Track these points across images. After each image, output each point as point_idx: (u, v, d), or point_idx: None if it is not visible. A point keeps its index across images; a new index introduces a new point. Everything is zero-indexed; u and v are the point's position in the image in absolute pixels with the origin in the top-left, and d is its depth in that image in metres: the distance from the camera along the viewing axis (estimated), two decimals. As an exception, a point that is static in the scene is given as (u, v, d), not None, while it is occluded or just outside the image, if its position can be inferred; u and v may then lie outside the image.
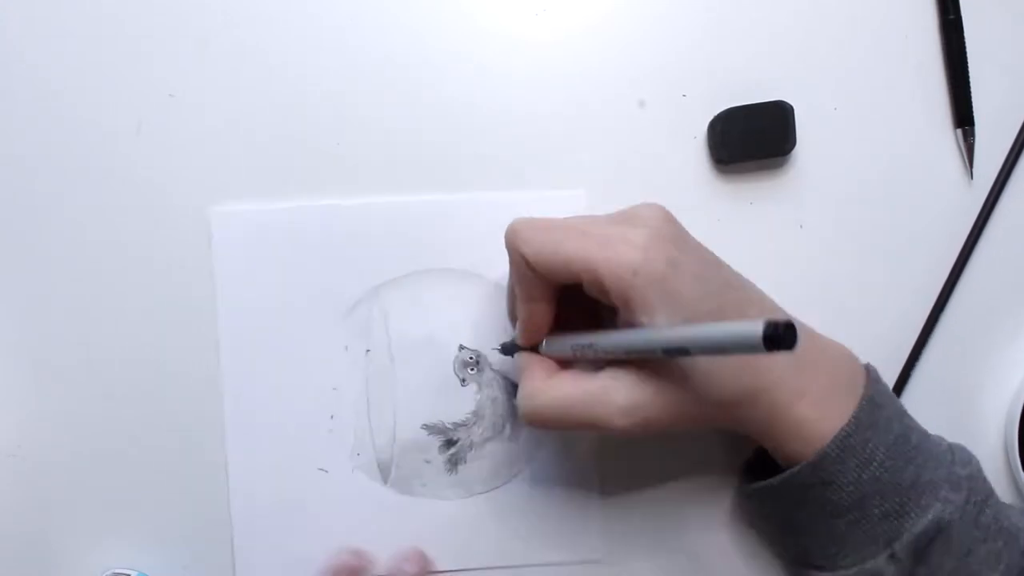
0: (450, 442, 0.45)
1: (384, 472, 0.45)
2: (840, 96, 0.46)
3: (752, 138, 0.45)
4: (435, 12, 0.46)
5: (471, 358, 0.45)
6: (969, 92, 0.46)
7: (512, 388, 0.45)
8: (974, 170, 0.46)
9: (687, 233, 0.39)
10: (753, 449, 0.44)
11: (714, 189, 0.46)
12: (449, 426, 0.45)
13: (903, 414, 0.39)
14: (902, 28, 0.46)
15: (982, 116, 0.46)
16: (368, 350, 0.45)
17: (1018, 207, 0.46)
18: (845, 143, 0.46)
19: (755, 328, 0.30)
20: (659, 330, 0.35)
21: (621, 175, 0.46)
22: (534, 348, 0.41)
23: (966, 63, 0.45)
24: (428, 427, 0.45)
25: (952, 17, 0.45)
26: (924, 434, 0.39)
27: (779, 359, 0.37)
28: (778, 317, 0.34)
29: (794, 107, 0.45)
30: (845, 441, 0.37)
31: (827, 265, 0.46)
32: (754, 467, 0.43)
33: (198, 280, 0.45)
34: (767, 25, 0.46)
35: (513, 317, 0.43)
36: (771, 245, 0.46)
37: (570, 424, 0.38)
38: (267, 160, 0.45)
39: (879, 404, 0.38)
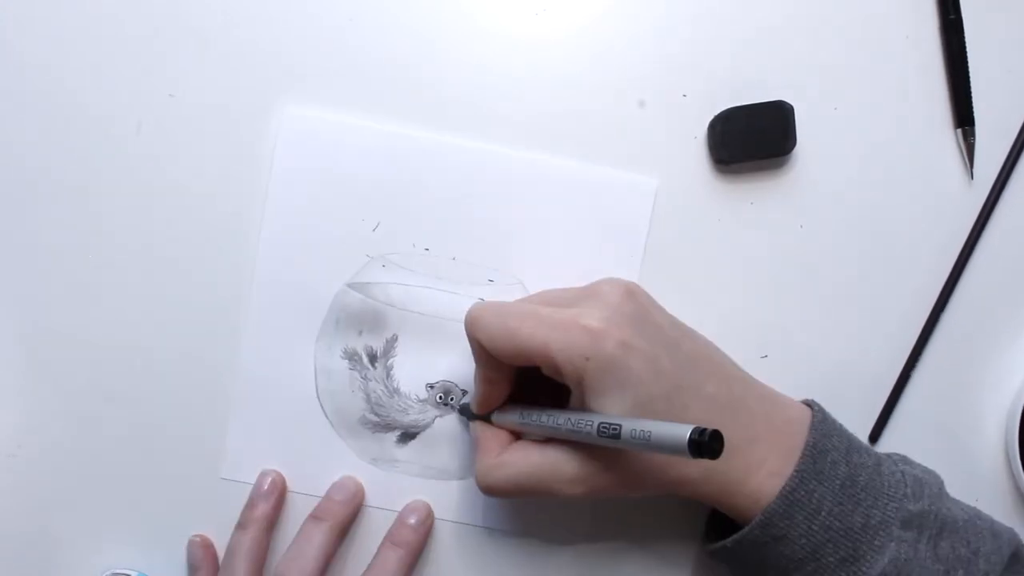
0: (408, 435, 0.45)
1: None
2: (840, 96, 0.46)
3: (752, 138, 0.45)
4: (435, 12, 0.46)
5: (440, 398, 0.45)
6: (969, 92, 0.45)
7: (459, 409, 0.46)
8: (974, 170, 0.46)
9: (650, 307, 0.39)
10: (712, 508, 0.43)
11: (714, 189, 0.46)
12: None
13: (851, 451, 0.39)
14: (902, 28, 0.46)
15: (982, 116, 0.46)
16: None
17: (1018, 207, 0.46)
18: (845, 143, 0.46)
19: (682, 434, 0.32)
20: (597, 420, 0.36)
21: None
22: (488, 415, 0.43)
23: (966, 63, 0.45)
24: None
25: (952, 17, 0.45)
26: (875, 469, 0.39)
27: (731, 437, 0.35)
28: (715, 408, 0.36)
29: (794, 107, 0.45)
30: (791, 496, 0.37)
31: (827, 265, 0.46)
32: (716, 523, 0.43)
33: (198, 275, 0.45)
34: (767, 25, 0.46)
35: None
36: (771, 245, 0.46)
37: (525, 495, 0.39)
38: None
39: (823, 449, 0.38)
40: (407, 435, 0.45)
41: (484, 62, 0.46)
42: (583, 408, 0.37)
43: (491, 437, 0.41)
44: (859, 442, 0.40)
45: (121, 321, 0.45)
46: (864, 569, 0.37)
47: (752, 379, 0.40)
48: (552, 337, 0.37)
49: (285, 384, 0.45)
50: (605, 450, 0.37)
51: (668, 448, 0.33)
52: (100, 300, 0.45)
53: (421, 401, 0.45)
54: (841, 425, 0.40)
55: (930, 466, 0.41)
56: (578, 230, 0.45)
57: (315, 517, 0.44)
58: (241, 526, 0.44)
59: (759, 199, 0.46)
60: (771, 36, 0.46)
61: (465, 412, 0.45)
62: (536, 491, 0.39)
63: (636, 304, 0.38)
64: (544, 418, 0.39)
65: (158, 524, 0.45)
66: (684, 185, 0.46)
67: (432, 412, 0.45)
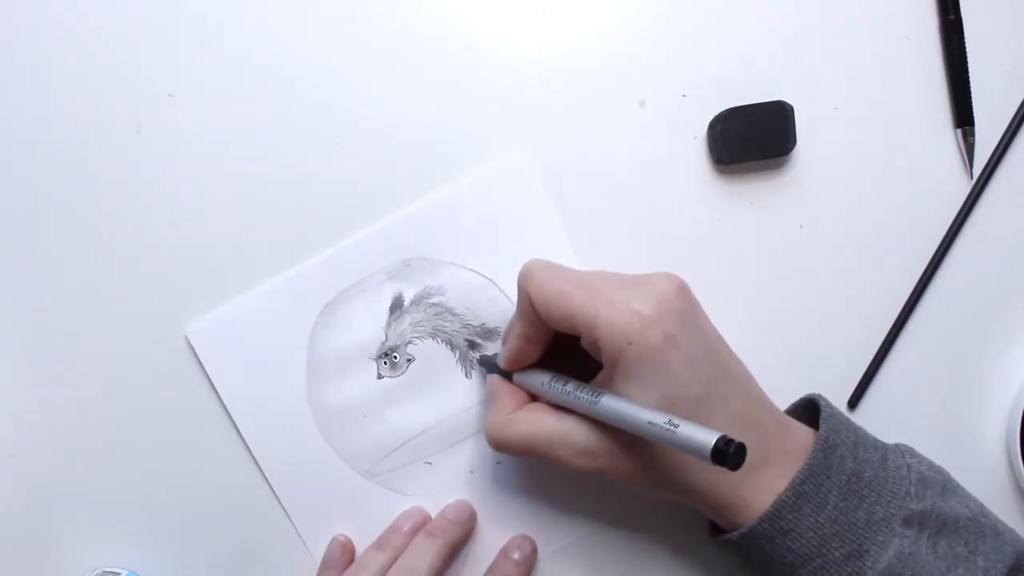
0: (472, 345, 0.46)
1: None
2: (840, 96, 0.46)
3: (752, 138, 0.45)
4: (435, 12, 0.46)
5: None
6: (969, 92, 0.45)
7: (477, 361, 0.46)
8: (974, 170, 0.46)
9: (699, 312, 0.39)
10: None
11: (714, 189, 0.46)
12: (477, 332, 0.46)
13: (857, 446, 0.39)
14: (902, 28, 0.46)
15: (982, 116, 0.45)
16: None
17: (1019, 207, 0.46)
18: (845, 143, 0.46)
19: (708, 438, 0.32)
20: (621, 404, 0.36)
21: (621, 175, 0.45)
22: (510, 372, 0.42)
23: (966, 63, 0.45)
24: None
25: (952, 17, 0.45)
26: (880, 464, 0.39)
27: (748, 458, 0.36)
28: (736, 421, 0.36)
29: (794, 107, 0.45)
30: (800, 488, 0.37)
31: (827, 265, 0.46)
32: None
33: (197, 275, 0.45)
34: (767, 25, 0.46)
35: (506, 339, 0.43)
36: (771, 245, 0.46)
37: (532, 456, 0.39)
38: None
39: (833, 444, 0.38)
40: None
41: (484, 62, 0.46)
42: (609, 389, 0.37)
43: (508, 393, 0.42)
44: (865, 435, 0.40)
45: (122, 322, 0.45)
46: (869, 564, 0.37)
47: (773, 405, 0.40)
48: (602, 312, 0.37)
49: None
50: (620, 434, 0.37)
51: (690, 447, 0.33)
52: (100, 300, 0.45)
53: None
54: (848, 419, 0.40)
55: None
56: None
57: (429, 533, 0.44)
58: None
59: (759, 199, 0.46)
60: (771, 36, 0.46)
61: (486, 364, 0.45)
62: (545, 454, 0.39)
63: (687, 303, 0.38)
64: (571, 389, 0.39)
65: (157, 525, 0.45)
66: (684, 185, 0.46)
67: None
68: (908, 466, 0.39)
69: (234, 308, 0.45)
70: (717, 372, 0.38)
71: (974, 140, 0.45)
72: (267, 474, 0.45)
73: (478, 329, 0.45)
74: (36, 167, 0.45)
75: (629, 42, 0.46)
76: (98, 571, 0.44)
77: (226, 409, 0.45)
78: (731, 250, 0.45)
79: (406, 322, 0.45)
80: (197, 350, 0.45)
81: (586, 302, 0.37)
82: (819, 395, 0.41)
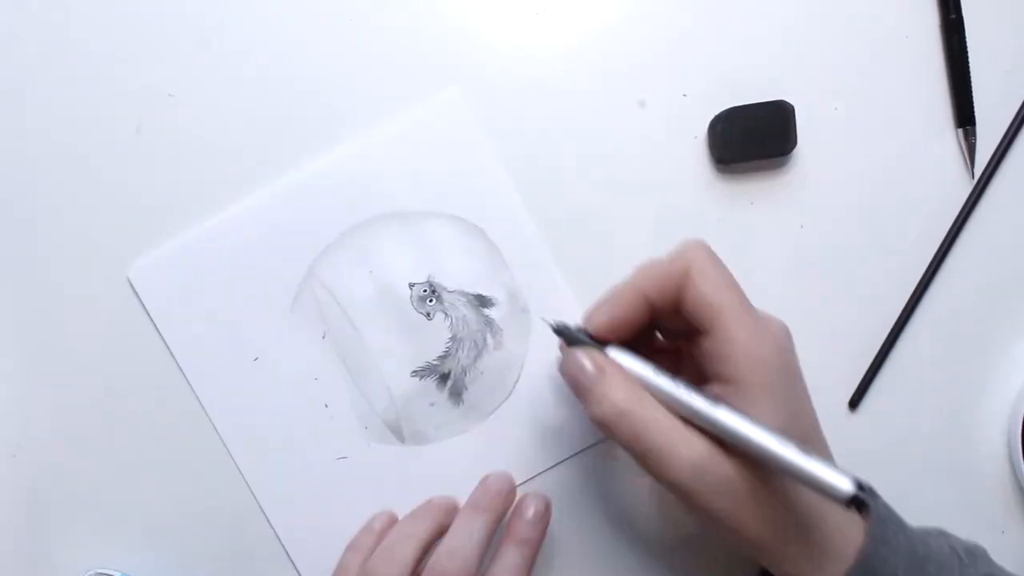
0: (444, 376, 0.45)
1: (397, 433, 0.45)
2: (840, 96, 0.46)
3: (752, 138, 0.45)
4: (435, 12, 0.46)
5: (425, 291, 0.45)
6: (970, 92, 0.45)
7: (476, 300, 0.45)
8: (975, 170, 0.46)
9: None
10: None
11: (714, 189, 0.46)
12: (435, 362, 0.45)
13: (902, 521, 0.38)
14: (902, 28, 0.46)
15: (983, 116, 0.45)
16: (323, 336, 0.45)
17: (1020, 207, 0.46)
18: (845, 143, 0.46)
19: (844, 477, 0.31)
20: (748, 419, 0.34)
21: (621, 175, 0.45)
22: (597, 341, 0.38)
23: (967, 63, 0.45)
24: (418, 372, 0.45)
25: (953, 17, 0.45)
26: (923, 540, 0.38)
27: (851, 522, 0.35)
28: (867, 484, 0.32)
29: (794, 107, 0.44)
30: (868, 562, 0.35)
31: (827, 265, 0.46)
32: None
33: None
34: (767, 25, 0.46)
35: (610, 299, 0.39)
36: (771, 245, 0.46)
37: (629, 446, 0.36)
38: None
39: (883, 518, 0.37)
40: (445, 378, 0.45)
41: (484, 61, 0.46)
42: (718, 397, 0.35)
43: (623, 374, 0.36)
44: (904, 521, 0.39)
45: (121, 322, 0.45)
46: None
47: None
48: (747, 320, 0.36)
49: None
50: (734, 466, 0.34)
51: (824, 481, 0.31)
52: (100, 300, 0.45)
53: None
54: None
55: (933, 471, 0.41)
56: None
57: (474, 508, 0.41)
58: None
59: (759, 199, 0.46)
60: (771, 36, 0.46)
61: (565, 335, 0.38)
62: (643, 451, 0.35)
63: (792, 344, 0.38)
64: (683, 387, 0.35)
65: (146, 526, 0.45)
66: (684, 185, 0.45)
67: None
68: (951, 547, 0.39)
69: (178, 246, 0.45)
70: (805, 409, 0.37)
71: (975, 140, 0.45)
72: (223, 436, 0.45)
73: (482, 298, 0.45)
74: (36, 167, 0.45)
75: (629, 42, 0.46)
76: (91, 572, 0.44)
77: (227, 435, 0.45)
78: (731, 250, 0.45)
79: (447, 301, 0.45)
80: (141, 295, 0.44)
81: (739, 302, 0.36)
82: (862, 480, 0.34)
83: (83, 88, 0.45)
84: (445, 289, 0.45)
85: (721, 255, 0.44)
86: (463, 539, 0.40)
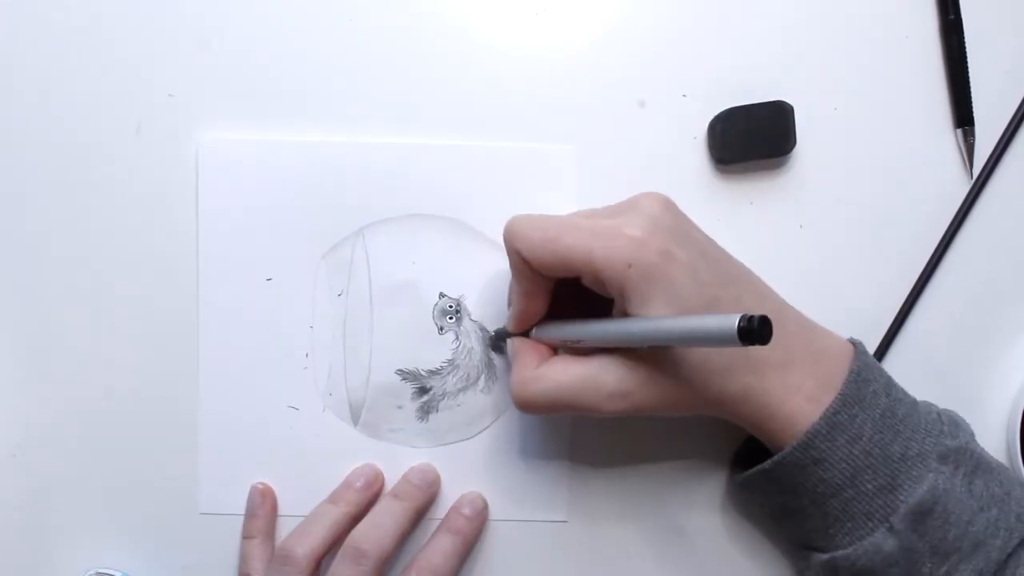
0: (423, 389, 0.45)
1: (355, 414, 0.45)
2: (840, 96, 0.46)
3: (752, 138, 0.45)
4: (435, 12, 0.46)
5: (451, 306, 0.45)
6: (969, 92, 0.45)
7: (489, 339, 0.45)
8: (974, 170, 0.46)
9: (688, 223, 0.39)
10: (744, 439, 0.44)
11: (714, 189, 0.46)
12: (424, 373, 0.45)
13: (890, 387, 0.39)
14: (902, 28, 0.46)
15: (982, 116, 0.46)
16: (340, 293, 0.45)
17: (1019, 206, 0.46)
18: (845, 143, 0.46)
19: (730, 321, 0.31)
20: (640, 322, 0.36)
21: (621, 175, 0.45)
22: (525, 332, 0.42)
23: (966, 63, 0.45)
24: (402, 372, 0.45)
25: (952, 17, 0.45)
26: (912, 405, 0.39)
27: (770, 357, 0.37)
28: (755, 312, 0.33)
29: (794, 107, 0.45)
30: (833, 418, 0.37)
31: (827, 265, 0.46)
32: (743, 456, 0.44)
33: (197, 276, 0.45)
34: (767, 25, 0.46)
35: (510, 302, 0.43)
36: (771, 245, 0.46)
37: (561, 409, 0.39)
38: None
39: (865, 379, 0.38)
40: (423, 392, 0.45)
41: (484, 61, 0.46)
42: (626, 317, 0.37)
43: (530, 351, 0.41)
44: (895, 382, 0.40)
45: (121, 323, 0.45)
46: (902, 498, 0.37)
47: (788, 305, 0.41)
48: (594, 245, 0.37)
49: (249, 404, 0.45)
50: (647, 364, 0.37)
51: (718, 337, 0.32)
52: (100, 300, 0.45)
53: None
54: (880, 365, 0.41)
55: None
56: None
57: (395, 495, 0.44)
58: (249, 536, 0.44)
59: (759, 199, 0.46)
60: (771, 36, 0.46)
61: (500, 336, 0.44)
62: (574, 405, 0.38)
63: (675, 216, 0.38)
64: (588, 330, 0.38)
65: (145, 524, 0.45)
66: (684, 185, 0.46)
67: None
68: (938, 412, 0.40)
69: (260, 142, 0.45)
70: (720, 276, 0.38)
71: (974, 140, 0.45)
72: (201, 346, 0.45)
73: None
74: (36, 167, 0.45)
75: (629, 42, 0.46)
76: (91, 572, 0.44)
77: (204, 335, 0.45)
78: (731, 250, 0.45)
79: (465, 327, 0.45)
80: (201, 168, 0.44)
81: (577, 241, 0.37)
82: (854, 339, 0.41)
83: (83, 88, 0.45)
84: (469, 314, 0.45)
85: (721, 255, 0.44)
86: (381, 518, 0.42)
